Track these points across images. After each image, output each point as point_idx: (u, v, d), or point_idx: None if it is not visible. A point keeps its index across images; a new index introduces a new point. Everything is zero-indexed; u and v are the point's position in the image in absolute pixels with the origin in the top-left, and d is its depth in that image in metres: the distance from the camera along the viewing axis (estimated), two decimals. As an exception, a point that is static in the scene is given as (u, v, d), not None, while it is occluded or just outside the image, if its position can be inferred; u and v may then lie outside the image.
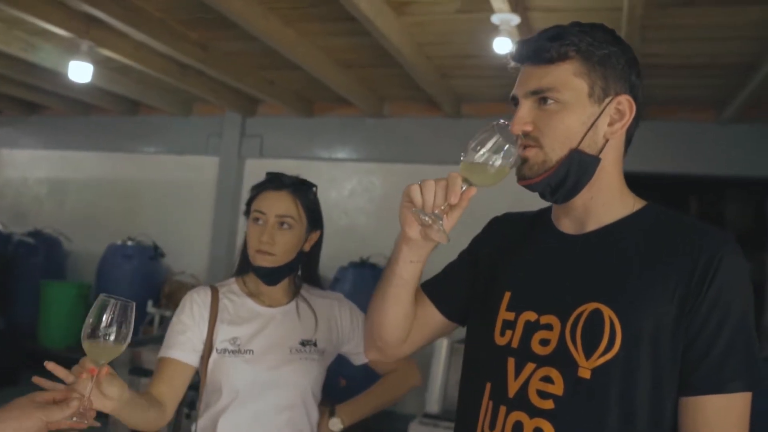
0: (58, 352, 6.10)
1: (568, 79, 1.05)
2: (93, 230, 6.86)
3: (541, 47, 1.06)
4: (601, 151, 1.07)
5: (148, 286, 5.97)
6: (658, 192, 6.97)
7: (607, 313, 1.02)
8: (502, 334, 1.12)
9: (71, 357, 5.13)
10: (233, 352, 1.56)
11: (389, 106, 5.89)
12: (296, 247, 1.63)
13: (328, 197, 6.11)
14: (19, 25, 4.42)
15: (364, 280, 5.11)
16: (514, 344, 1.10)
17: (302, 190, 1.66)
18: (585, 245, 1.11)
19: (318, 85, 5.14)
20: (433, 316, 1.28)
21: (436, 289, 1.30)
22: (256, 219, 1.62)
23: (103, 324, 1.13)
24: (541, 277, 1.13)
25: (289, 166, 6.30)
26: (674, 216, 1.11)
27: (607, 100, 1.07)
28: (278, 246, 1.59)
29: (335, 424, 1.65)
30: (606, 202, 1.10)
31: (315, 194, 1.72)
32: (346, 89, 5.14)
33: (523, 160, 1.08)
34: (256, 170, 6.42)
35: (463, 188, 1.05)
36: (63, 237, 6.86)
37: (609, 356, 1.00)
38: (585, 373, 1.01)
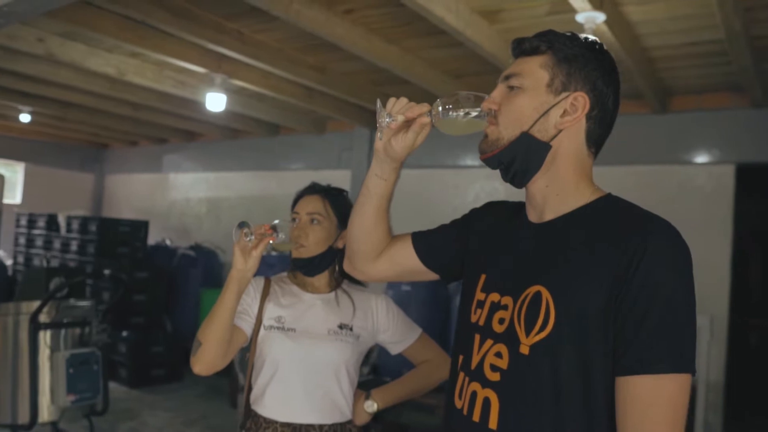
0: (215, 353, 6.80)
1: (533, 69, 1.17)
2: (243, 243, 7.55)
3: (522, 41, 1.20)
4: (552, 138, 1.16)
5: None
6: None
7: (545, 294, 1.09)
8: (475, 312, 1.24)
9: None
10: (278, 328, 1.79)
11: (508, 110, 5.93)
12: (326, 241, 1.83)
13: (453, 203, 6.28)
14: (167, 66, 5.09)
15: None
16: (481, 322, 1.21)
17: (332, 194, 1.90)
18: (540, 233, 1.20)
19: (432, 96, 5.33)
20: (408, 256, 1.42)
21: (420, 234, 1.44)
22: (294, 219, 1.87)
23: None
24: (507, 261, 1.23)
25: (415, 176, 6.62)
26: (625, 206, 1.15)
27: (564, 94, 1.15)
28: (308, 238, 1.81)
29: (370, 406, 1.84)
30: (560, 191, 1.18)
31: (346, 198, 1.94)
32: (460, 98, 5.28)
33: (485, 135, 1.21)
34: (385, 181, 6.76)
35: (431, 114, 1.18)
36: (219, 250, 7.63)
37: (543, 334, 1.08)
38: (524, 350, 1.10)
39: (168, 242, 7.89)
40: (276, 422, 1.76)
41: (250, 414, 1.82)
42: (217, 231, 8.00)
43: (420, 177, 6.52)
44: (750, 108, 4.89)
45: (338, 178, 6.97)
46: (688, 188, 5.07)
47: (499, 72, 4.27)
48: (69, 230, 7.10)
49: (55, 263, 6.99)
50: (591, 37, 1.21)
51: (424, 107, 1.19)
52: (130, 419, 5.07)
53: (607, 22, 3.39)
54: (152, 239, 7.65)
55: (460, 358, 1.25)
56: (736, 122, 5.00)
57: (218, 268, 7.61)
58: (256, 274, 1.76)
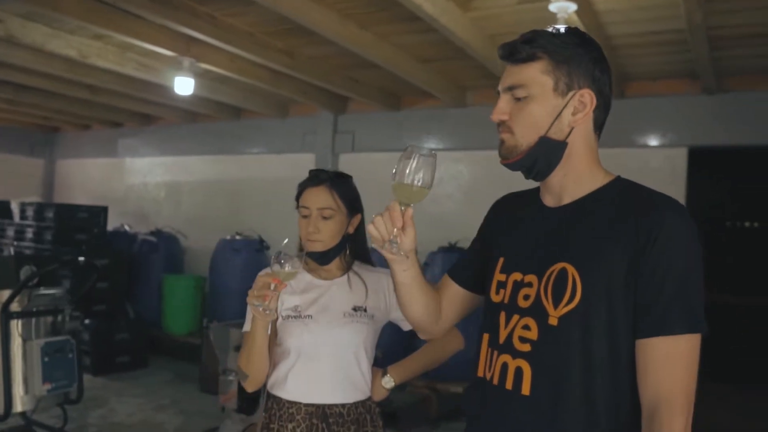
0: (178, 338, 6.78)
1: (536, 76, 1.24)
2: (205, 227, 7.51)
3: (516, 49, 1.26)
4: (567, 136, 1.27)
5: (255, 276, 6.37)
6: (763, 165, 6.86)
7: (571, 270, 1.21)
8: (497, 293, 1.34)
9: (191, 342, 5.81)
10: (295, 317, 1.84)
11: (472, 95, 6.05)
12: (340, 232, 1.89)
13: (416, 187, 6.37)
14: (132, 48, 4.99)
15: (448, 262, 5.33)
16: (506, 300, 1.31)
17: (338, 183, 1.91)
18: (560, 216, 1.30)
19: (401, 80, 5.40)
20: (456, 292, 1.51)
21: (455, 269, 1.55)
22: (303, 213, 1.90)
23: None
24: (526, 243, 1.33)
25: (380, 159, 6.73)
26: (635, 188, 1.27)
27: (570, 94, 1.24)
28: (323, 233, 1.85)
29: (387, 381, 1.91)
30: (577, 178, 1.29)
31: (351, 184, 1.97)
32: (427, 83, 5.36)
33: (501, 142, 1.30)
34: (349, 164, 6.81)
35: (403, 209, 1.26)
36: (180, 235, 7.55)
37: (571, 306, 1.19)
38: (553, 321, 1.21)
39: (127, 228, 7.76)
40: (300, 403, 1.82)
41: (270, 398, 1.87)
42: (177, 216, 7.90)
43: (385, 160, 6.57)
44: (703, 94, 5.13)
45: (302, 162, 6.98)
46: (644, 171, 5.28)
47: (469, 59, 4.40)
48: (23, 217, 6.90)
49: (8, 252, 6.79)
50: (564, 27, 1.30)
51: (396, 206, 1.27)
52: (98, 407, 5.03)
53: (577, 11, 3.52)
54: (110, 225, 7.50)
55: (486, 336, 1.35)
56: (689, 107, 5.24)
57: (180, 254, 7.54)
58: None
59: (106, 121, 8.49)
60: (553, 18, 3.53)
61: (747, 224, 8.33)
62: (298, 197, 1.94)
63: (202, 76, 5.69)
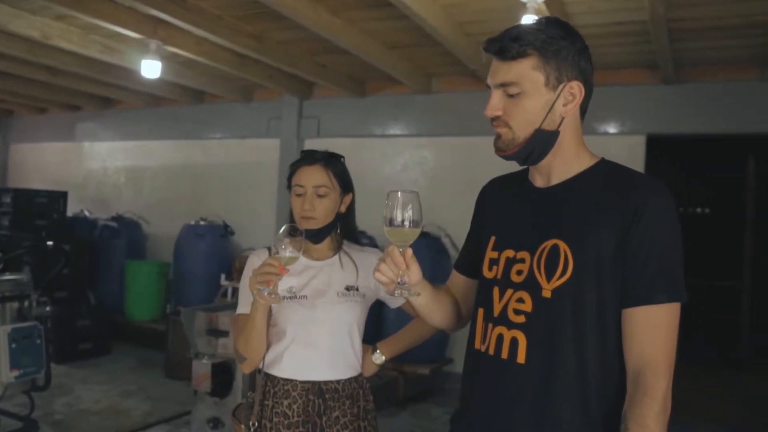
0: (142, 324, 6.72)
1: (528, 72, 1.31)
2: (168, 213, 7.42)
3: (505, 47, 1.32)
4: (559, 126, 1.34)
5: (220, 261, 6.46)
6: (716, 153, 7.13)
7: (562, 246, 1.29)
8: (490, 269, 1.42)
9: (155, 328, 5.78)
10: (290, 298, 1.87)
11: (437, 82, 6.12)
12: (333, 211, 1.93)
13: (382, 172, 6.43)
14: (96, 30, 4.90)
15: (419, 248, 5.35)
16: (498, 276, 1.39)
17: (332, 162, 1.95)
18: (549, 196, 1.39)
19: (368, 66, 5.43)
20: (465, 283, 1.59)
21: (458, 262, 1.63)
22: (298, 192, 1.92)
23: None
24: (517, 222, 1.42)
25: (344, 144, 6.76)
26: (620, 169, 1.37)
27: (561, 87, 1.32)
28: (318, 211, 1.89)
29: (378, 357, 1.98)
30: (565, 161, 1.37)
31: (343, 164, 2.01)
32: (394, 69, 5.40)
33: (497, 136, 1.37)
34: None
35: (401, 251, 1.34)
36: (142, 220, 7.45)
37: (564, 279, 1.28)
38: (547, 294, 1.30)
39: (87, 213, 7.62)
40: (296, 381, 1.87)
41: (265, 377, 1.91)
42: (139, 201, 7.79)
43: (351, 146, 6.59)
44: (661, 84, 5.31)
45: (267, 147, 6.97)
46: (604, 156, 5.45)
47: (437, 44, 4.45)
48: (-22, 202, 6.71)
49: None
50: (546, 19, 1.37)
51: (395, 250, 1.34)
52: (63, 395, 4.96)
53: (546, 1, 3.61)
54: (69, 211, 7.35)
55: (480, 311, 1.43)
56: (648, 97, 5.42)
57: (142, 239, 7.45)
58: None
59: (63, 105, 8.27)
60: (520, 6, 3.62)
61: (699, 210, 8.65)
62: (290, 177, 1.96)
63: (167, 60, 5.61)
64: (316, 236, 1.92)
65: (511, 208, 1.46)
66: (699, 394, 5.48)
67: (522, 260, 1.35)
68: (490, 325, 1.38)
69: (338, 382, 1.89)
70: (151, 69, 4.93)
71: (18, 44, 5.19)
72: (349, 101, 6.55)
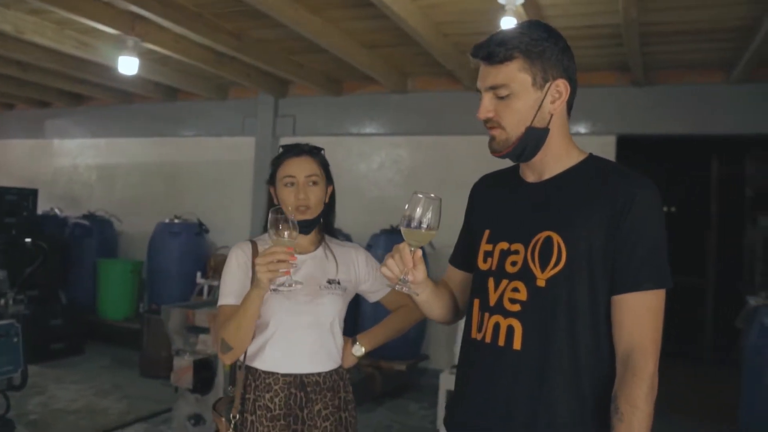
0: (115, 323, 6.65)
1: (515, 75, 1.37)
2: (141, 211, 7.35)
3: (492, 52, 1.38)
4: (548, 123, 1.41)
5: (195, 259, 6.43)
6: (683, 153, 7.33)
7: (556, 238, 1.37)
8: (485, 261, 1.49)
9: (129, 327, 5.75)
10: (274, 290, 1.80)
11: (413, 82, 6.19)
12: (323, 201, 1.96)
13: (358, 170, 6.48)
14: (71, 25, 4.84)
15: (392, 246, 5.48)
16: (493, 267, 1.46)
17: (317, 153, 1.99)
18: (541, 190, 1.46)
19: (345, 65, 5.47)
20: (461, 277, 1.65)
21: (453, 256, 1.69)
22: (288, 183, 1.91)
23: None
24: (510, 216, 1.48)
25: (320, 143, 6.70)
26: (608, 164, 1.44)
27: (547, 86, 1.39)
28: (311, 200, 1.91)
29: (358, 350, 2.00)
30: (555, 157, 1.44)
31: (324, 156, 2.03)
32: (370, 68, 5.45)
33: (492, 138, 1.44)
34: (289, 148, 6.82)
35: (412, 250, 1.40)
36: (114, 218, 7.37)
37: (557, 269, 1.35)
38: (541, 283, 1.37)
39: (57, 211, 7.51)
40: (277, 374, 1.87)
41: (246, 371, 1.91)
42: (111, 199, 7.70)
43: (327, 144, 6.55)
44: (631, 86, 5.46)
45: (242, 145, 6.97)
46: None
47: (414, 44, 4.53)
48: (-55, 199, 6.55)
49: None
50: (528, 22, 1.44)
51: (406, 248, 1.40)
52: (38, 394, 4.90)
53: (523, 4, 3.69)
54: (39, 209, 7.22)
55: (476, 301, 1.49)
56: (618, 98, 5.56)
57: (114, 238, 7.37)
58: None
59: (32, 101, 8.13)
60: (498, 8, 3.70)
61: (665, 209, 8.87)
62: (275, 171, 1.96)
63: (142, 56, 5.57)
64: (308, 227, 1.93)
65: (504, 202, 1.53)
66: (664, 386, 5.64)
67: (516, 252, 1.42)
68: (487, 314, 1.44)
69: (320, 374, 1.90)
70: (128, 66, 4.90)
71: (-11, 39, 5.11)
72: (325, 100, 6.58)
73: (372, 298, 2.08)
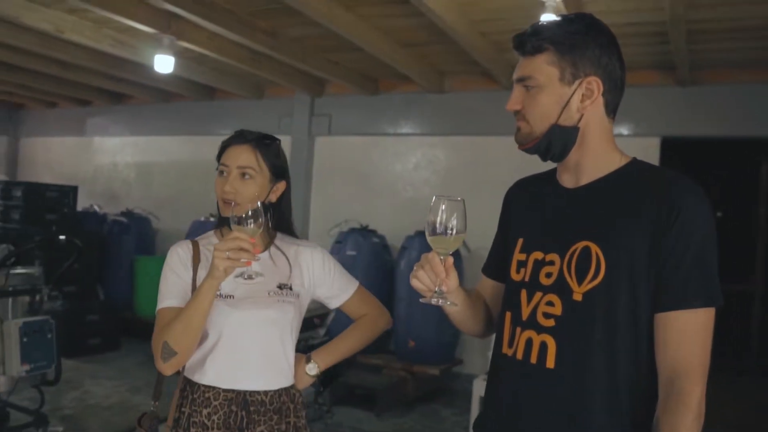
0: (151, 320, 6.67)
1: (542, 67, 1.29)
2: (178, 209, 7.41)
3: (523, 42, 1.32)
4: (578, 122, 1.31)
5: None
6: (730, 156, 7.07)
7: (594, 249, 1.26)
8: (518, 272, 1.39)
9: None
10: (216, 296, 1.61)
11: (449, 81, 6.09)
12: (259, 197, 1.71)
13: (393, 171, 6.41)
14: (109, 23, 4.88)
15: (430, 248, 5.39)
16: (526, 279, 1.36)
17: (264, 144, 1.73)
18: (579, 196, 1.35)
19: (380, 64, 5.41)
20: (494, 287, 1.55)
21: (486, 265, 1.59)
22: (221, 171, 1.73)
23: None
24: (546, 224, 1.38)
25: (356, 143, 6.73)
26: (652, 169, 1.34)
27: (577, 83, 1.29)
28: (241, 195, 1.67)
29: (311, 368, 1.78)
30: (593, 160, 1.33)
31: (278, 148, 1.79)
32: (407, 67, 5.37)
33: (517, 129, 1.36)
34: (325, 147, 6.81)
35: (442, 259, 1.30)
36: (152, 216, 7.45)
37: (596, 282, 1.25)
38: (578, 297, 1.26)
39: (96, 208, 7.63)
40: (218, 389, 1.66)
41: (185, 381, 1.71)
42: (148, 197, 7.79)
43: (362, 143, 6.61)
44: (676, 86, 5.27)
45: (278, 145, 6.94)
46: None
47: (451, 43, 4.44)
48: (-11, 195, 6.71)
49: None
50: (573, 15, 1.34)
51: (435, 258, 1.30)
52: (73, 389, 4.96)
53: (564, 0, 3.57)
54: (79, 205, 7.35)
55: (508, 314, 1.39)
56: (662, 98, 5.37)
57: (151, 235, 7.45)
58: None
59: (73, 99, 8.27)
60: (538, 5, 3.58)
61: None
62: (219, 156, 1.77)
63: (178, 55, 5.60)
64: (239, 224, 1.63)
65: (539, 209, 1.43)
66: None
67: (551, 262, 1.32)
68: (518, 329, 1.34)
69: (266, 393, 1.69)
70: (164, 64, 4.92)
71: (30, 37, 5.19)
72: (361, 99, 6.52)
73: (331, 304, 1.87)
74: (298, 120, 6.82)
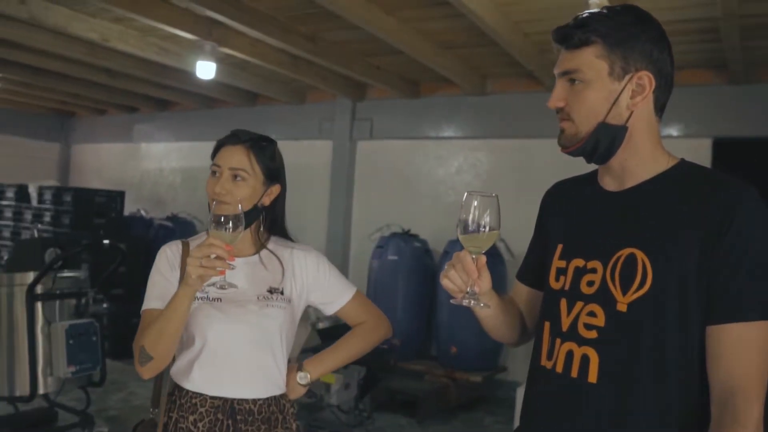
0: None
1: (590, 61, 1.21)
2: (221, 214, 7.49)
3: (569, 34, 1.23)
4: (627, 120, 1.22)
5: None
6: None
7: (640, 256, 1.17)
8: (557, 279, 1.31)
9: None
10: (202, 299, 1.60)
11: (491, 83, 6.00)
12: (251, 199, 1.66)
13: (436, 175, 6.35)
14: (153, 32, 4.97)
15: (472, 253, 5.32)
16: (566, 287, 1.28)
17: (259, 146, 1.69)
18: (623, 200, 1.26)
19: (421, 67, 5.36)
20: (529, 294, 1.47)
21: (521, 272, 1.51)
22: (213, 172, 1.67)
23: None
24: (587, 229, 1.30)
25: (398, 146, 6.67)
26: (702, 171, 1.24)
27: (627, 78, 1.21)
28: (232, 197, 1.62)
29: (303, 377, 1.72)
30: (639, 161, 1.25)
31: (274, 151, 1.75)
32: (448, 70, 5.31)
33: (561, 131, 1.27)
34: (367, 151, 6.79)
35: (474, 258, 1.23)
36: (196, 220, 7.55)
37: (642, 292, 1.16)
38: (622, 307, 1.17)
39: (143, 213, 7.78)
40: (205, 395, 1.61)
41: (174, 386, 1.66)
42: (193, 201, 7.89)
43: (404, 148, 6.56)
44: (728, 85, 5.07)
45: (319, 149, 6.97)
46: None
47: (492, 44, 4.33)
48: (41, 201, 6.91)
49: (27, 234, 6.81)
50: (620, 6, 1.26)
51: (467, 257, 1.23)
52: (118, 390, 5.04)
53: (609, -2, 3.46)
54: (126, 210, 7.52)
55: (547, 324, 1.32)
56: (713, 98, 5.18)
57: (196, 239, 7.54)
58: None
59: (121, 106, 8.49)
60: (581, 4, 3.48)
61: None
62: (213, 155, 1.73)
63: (220, 61, 5.67)
64: (216, 227, 1.57)
65: (580, 213, 1.35)
66: None
67: (593, 270, 1.24)
68: (558, 341, 1.27)
69: (254, 401, 1.63)
70: (206, 70, 4.98)
71: (78, 46, 5.32)
72: (403, 102, 6.49)
73: (327, 310, 1.80)
74: (339, 124, 6.82)
